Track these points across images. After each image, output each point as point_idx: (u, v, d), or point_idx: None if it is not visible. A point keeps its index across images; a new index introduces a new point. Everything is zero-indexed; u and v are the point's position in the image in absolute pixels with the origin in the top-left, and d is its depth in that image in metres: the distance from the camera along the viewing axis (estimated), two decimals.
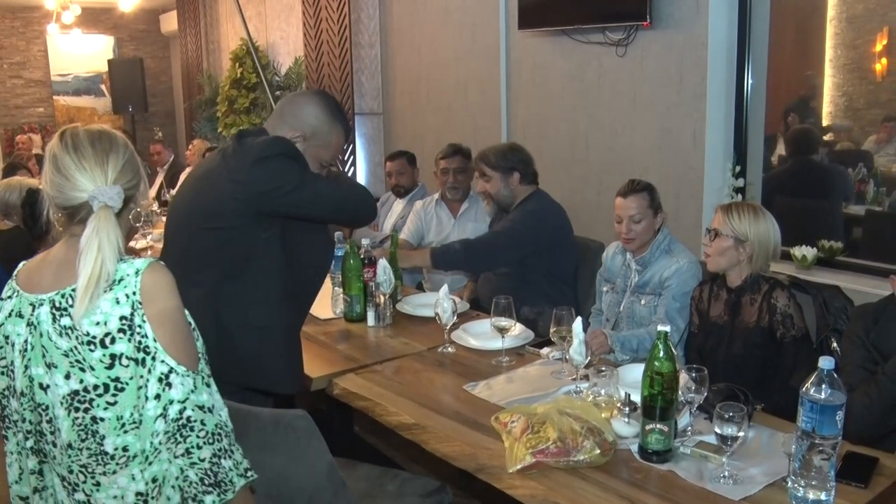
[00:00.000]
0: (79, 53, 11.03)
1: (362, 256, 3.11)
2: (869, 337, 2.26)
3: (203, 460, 1.49)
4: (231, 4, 8.53)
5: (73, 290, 1.45)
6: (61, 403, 1.49)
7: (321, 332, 3.03)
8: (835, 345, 2.54)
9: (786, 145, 3.96)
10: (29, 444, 1.58)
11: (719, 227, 2.58)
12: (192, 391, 1.49)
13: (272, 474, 2.08)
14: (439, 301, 2.72)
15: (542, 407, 2.04)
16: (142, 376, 1.47)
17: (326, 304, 3.25)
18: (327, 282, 3.46)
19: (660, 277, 2.90)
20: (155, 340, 1.46)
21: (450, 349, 2.76)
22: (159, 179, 7.13)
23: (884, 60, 3.47)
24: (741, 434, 1.81)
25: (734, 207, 2.61)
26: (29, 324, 1.51)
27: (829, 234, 3.70)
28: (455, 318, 2.75)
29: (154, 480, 1.52)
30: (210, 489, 1.50)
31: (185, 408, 1.48)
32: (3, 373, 1.58)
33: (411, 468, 3.06)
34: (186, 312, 1.56)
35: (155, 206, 5.55)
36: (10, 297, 1.57)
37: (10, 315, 1.55)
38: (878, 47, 3.48)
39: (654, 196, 2.95)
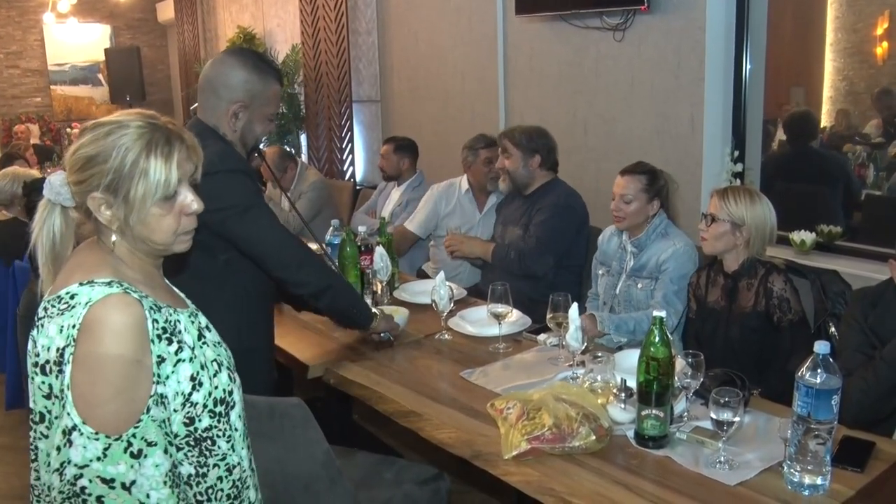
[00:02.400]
0: (75, 43, 10.98)
1: (359, 244, 3.10)
2: (867, 321, 2.25)
3: None
4: None
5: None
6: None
7: (318, 320, 3.00)
8: (833, 329, 2.54)
9: (785, 130, 3.94)
10: None
11: (715, 212, 2.57)
12: (99, 459, 1.26)
13: (268, 463, 2.07)
14: (436, 288, 2.71)
15: (538, 393, 2.04)
16: (58, 417, 1.29)
17: None
18: None
19: (657, 261, 2.89)
20: (68, 387, 1.26)
21: (447, 336, 2.75)
22: None
23: (884, 44, 3.45)
24: (737, 419, 1.81)
25: (730, 192, 2.60)
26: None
27: (828, 218, 3.69)
28: (452, 305, 2.74)
29: None
30: None
31: (81, 475, 1.26)
32: None
33: (410, 456, 3.06)
34: (155, 367, 1.32)
35: None
36: None
37: None
38: (879, 31, 3.46)
39: (653, 182, 2.93)
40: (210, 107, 2.27)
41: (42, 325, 1.32)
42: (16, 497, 3.27)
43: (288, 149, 5.82)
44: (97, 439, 1.26)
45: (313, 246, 3.96)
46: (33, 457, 1.37)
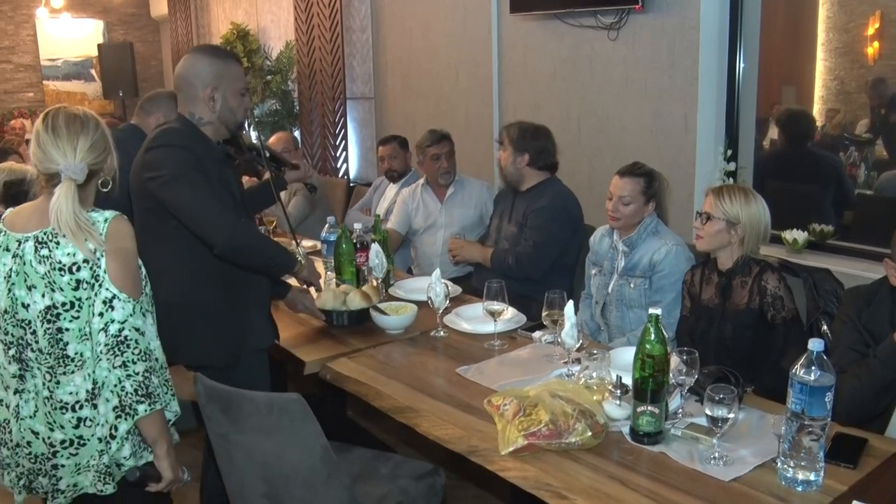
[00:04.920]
0: (68, 38, 10.92)
1: (354, 241, 3.11)
2: (861, 319, 2.27)
3: (137, 374, 1.83)
4: None
5: (52, 230, 1.83)
6: (37, 317, 1.85)
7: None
8: (825, 328, 2.56)
9: (778, 129, 3.96)
10: (11, 353, 1.91)
11: (711, 211, 2.58)
12: (131, 315, 1.84)
13: (267, 457, 2.09)
14: (431, 285, 2.72)
15: (534, 390, 2.05)
16: (90, 297, 1.83)
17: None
18: (320, 266, 3.48)
19: (650, 260, 2.91)
20: (105, 271, 1.83)
21: (442, 333, 2.77)
22: None
23: (875, 44, 3.47)
24: (731, 416, 1.83)
25: (725, 190, 2.62)
26: (14, 255, 1.87)
27: (819, 217, 3.71)
28: (447, 302, 2.76)
29: (95, 383, 1.86)
30: (142, 399, 1.84)
31: (123, 327, 1.82)
32: None
33: (405, 452, 3.08)
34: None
35: None
36: None
37: None
38: (871, 31, 3.48)
39: (651, 184, 2.95)
40: (188, 98, 2.51)
41: (56, 244, 1.83)
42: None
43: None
44: (129, 302, 1.84)
45: (308, 243, 4.02)
46: (53, 343, 1.86)
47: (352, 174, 6.52)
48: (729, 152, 3.82)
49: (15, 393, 1.91)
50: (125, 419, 1.84)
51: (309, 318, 2.91)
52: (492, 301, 2.61)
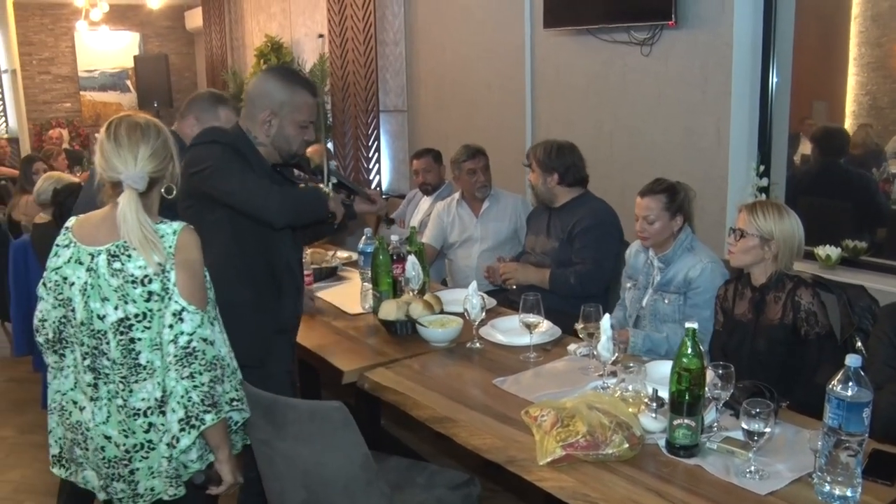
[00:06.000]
0: (105, 50, 11.16)
1: (391, 253, 3.16)
2: None
3: (203, 384, 1.87)
4: (255, 1, 8.62)
5: (123, 243, 1.88)
6: (111, 328, 1.89)
7: (350, 326, 3.09)
8: (859, 344, 2.56)
9: (812, 145, 3.96)
10: (86, 362, 1.93)
11: (744, 227, 2.60)
12: (199, 326, 1.88)
13: (307, 464, 2.14)
14: (468, 297, 2.77)
15: (571, 401, 2.09)
16: (160, 309, 1.88)
17: (356, 299, 3.31)
18: (356, 277, 3.54)
19: (685, 277, 2.93)
20: (174, 284, 1.87)
21: (478, 345, 2.81)
22: None
23: None
24: (768, 430, 1.85)
25: (758, 206, 2.63)
26: (88, 269, 1.90)
27: (852, 233, 3.70)
28: (483, 314, 2.80)
29: (164, 391, 1.90)
30: (209, 409, 1.88)
31: (191, 339, 1.86)
32: (60, 305, 1.95)
33: (436, 462, 3.12)
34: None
35: None
36: (66, 245, 1.96)
37: (69, 261, 1.94)
38: None
39: (674, 198, 2.96)
40: (248, 115, 2.56)
41: (128, 257, 1.88)
42: (48, 493, 3.36)
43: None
44: (197, 314, 1.88)
45: (343, 254, 4.09)
46: (125, 353, 1.90)
47: (384, 186, 6.59)
48: (761, 168, 3.83)
49: (90, 400, 1.96)
50: (189, 431, 1.87)
51: (345, 328, 2.97)
52: (528, 313, 2.64)
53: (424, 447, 3.49)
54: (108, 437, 1.95)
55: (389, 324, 2.91)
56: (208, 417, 1.88)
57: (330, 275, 3.80)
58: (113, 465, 1.96)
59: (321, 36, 6.72)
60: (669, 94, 4.13)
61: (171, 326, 1.87)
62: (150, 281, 1.88)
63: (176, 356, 1.86)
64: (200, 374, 1.87)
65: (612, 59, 4.40)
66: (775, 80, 3.84)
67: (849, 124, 3.79)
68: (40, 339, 2.02)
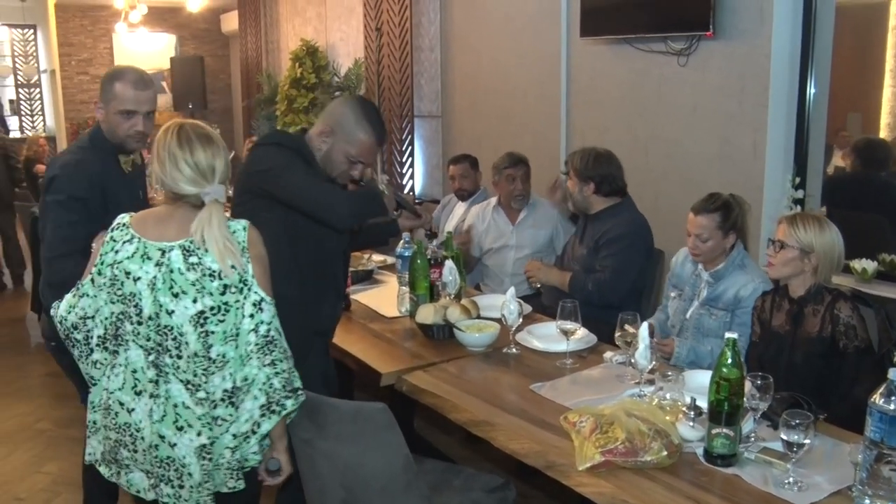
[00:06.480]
0: (142, 51, 11.34)
1: (429, 257, 3.20)
2: None
3: (283, 371, 1.97)
4: (291, 5, 8.72)
5: (192, 240, 1.92)
6: (189, 321, 1.92)
7: (387, 329, 3.13)
8: None
9: (853, 156, 3.93)
10: (151, 358, 1.95)
11: (784, 239, 2.60)
12: (275, 315, 1.98)
13: (348, 464, 2.18)
14: (506, 303, 2.80)
15: (610, 408, 2.11)
16: (238, 301, 1.94)
17: (392, 302, 3.36)
18: (393, 281, 3.58)
19: (735, 294, 2.90)
20: (252, 276, 1.96)
21: (514, 350, 2.84)
22: None
23: None
24: (807, 441, 1.86)
25: (799, 219, 2.63)
26: (158, 264, 1.92)
27: (889, 247, 3.68)
28: (520, 319, 2.83)
29: (245, 380, 1.97)
30: (289, 395, 1.97)
31: (270, 328, 1.97)
32: (119, 300, 1.95)
33: (467, 465, 3.14)
34: None
35: None
36: (129, 240, 1.96)
37: (132, 256, 1.94)
38: None
39: (728, 216, 2.93)
40: (316, 125, 2.66)
41: (205, 251, 1.92)
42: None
43: None
44: (271, 304, 1.98)
45: (378, 257, 4.14)
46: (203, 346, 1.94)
47: (417, 191, 6.64)
48: (797, 179, 3.82)
49: (150, 397, 1.96)
50: (270, 417, 1.96)
51: (382, 331, 3.02)
52: (565, 320, 2.67)
53: (455, 451, 3.52)
54: (161, 437, 1.95)
55: (427, 327, 2.95)
56: (289, 403, 1.97)
57: (366, 278, 3.85)
58: (164, 466, 1.96)
59: (378, 29, 6.72)
60: (706, 104, 4.13)
61: (251, 316, 1.95)
62: (225, 274, 1.93)
63: (257, 344, 1.95)
64: (281, 361, 1.97)
65: (649, 69, 4.42)
66: (813, 91, 3.81)
67: (883, 136, 3.77)
68: (78, 336, 2.01)
